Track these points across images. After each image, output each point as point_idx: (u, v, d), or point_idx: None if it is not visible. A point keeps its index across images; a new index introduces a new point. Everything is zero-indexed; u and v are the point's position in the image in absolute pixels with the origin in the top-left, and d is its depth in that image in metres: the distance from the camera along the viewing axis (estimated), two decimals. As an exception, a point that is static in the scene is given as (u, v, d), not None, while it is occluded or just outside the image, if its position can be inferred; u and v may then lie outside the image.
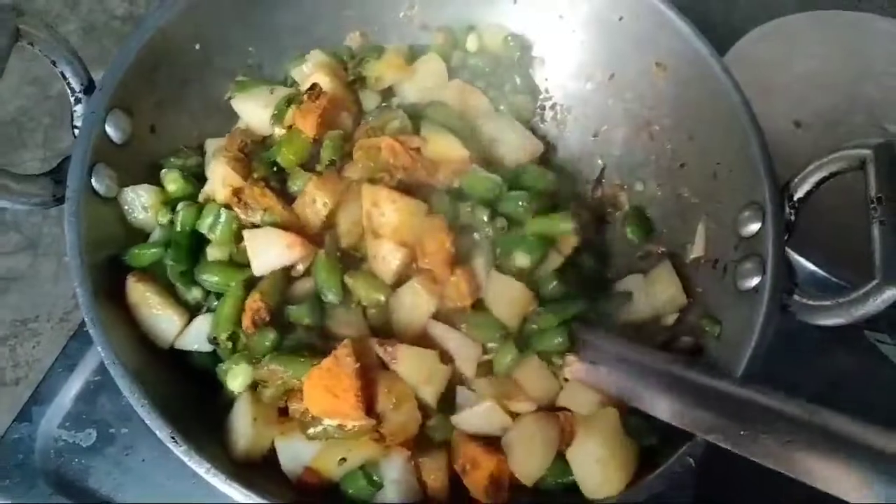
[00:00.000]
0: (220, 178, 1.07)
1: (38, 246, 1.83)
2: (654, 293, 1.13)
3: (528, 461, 0.98)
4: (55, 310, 1.77)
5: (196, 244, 1.07)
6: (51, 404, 1.27)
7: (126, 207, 1.05)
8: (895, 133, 1.61)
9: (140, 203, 1.05)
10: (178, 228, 1.06)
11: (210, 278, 1.04)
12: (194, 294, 1.05)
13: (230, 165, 1.07)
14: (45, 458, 1.22)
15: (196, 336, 1.02)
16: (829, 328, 1.32)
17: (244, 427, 0.96)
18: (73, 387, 1.28)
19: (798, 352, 1.33)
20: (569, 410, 1.01)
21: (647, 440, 0.97)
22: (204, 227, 1.05)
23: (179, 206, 1.07)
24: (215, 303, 1.04)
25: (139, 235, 1.08)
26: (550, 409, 1.02)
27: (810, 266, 1.32)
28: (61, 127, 1.92)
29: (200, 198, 1.10)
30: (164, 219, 1.07)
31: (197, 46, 1.15)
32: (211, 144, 1.17)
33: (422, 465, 0.98)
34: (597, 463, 0.93)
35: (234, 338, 1.00)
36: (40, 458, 1.22)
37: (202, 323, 1.03)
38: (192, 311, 1.05)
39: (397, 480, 0.95)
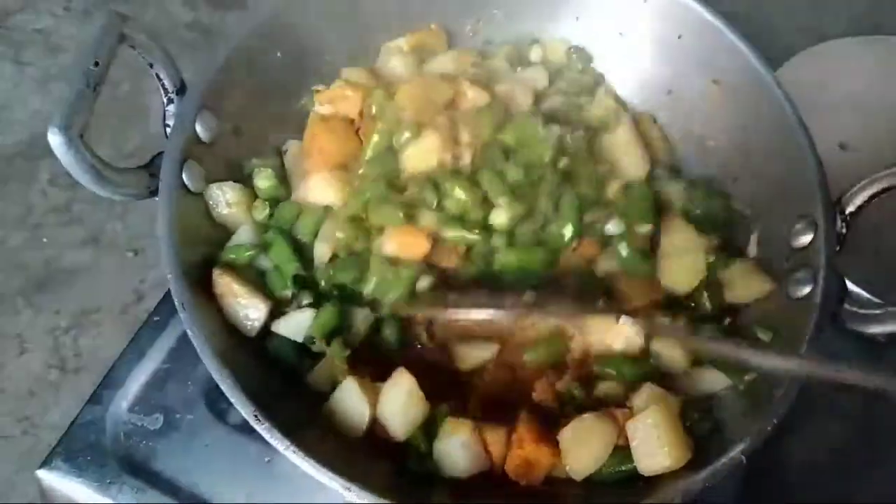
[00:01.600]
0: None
1: (101, 241, 1.90)
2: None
3: (581, 459, 1.02)
4: (116, 302, 1.85)
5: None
6: (121, 389, 1.31)
7: (211, 203, 1.12)
8: (938, 156, 1.64)
9: (225, 199, 1.12)
10: (280, 227, 1.14)
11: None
12: (286, 291, 1.11)
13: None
14: (115, 440, 1.27)
15: (295, 326, 1.09)
16: (870, 344, 1.37)
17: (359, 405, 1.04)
18: (143, 373, 1.33)
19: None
20: (627, 408, 1.06)
21: (700, 430, 1.01)
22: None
23: (284, 207, 1.16)
24: (306, 300, 1.10)
25: (221, 229, 1.14)
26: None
27: (857, 289, 1.34)
28: (128, 127, 2.01)
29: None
30: (260, 215, 1.14)
31: (278, 54, 1.22)
32: (292, 145, 1.23)
33: (485, 433, 1.04)
34: (657, 437, 0.97)
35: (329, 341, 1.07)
36: (110, 440, 1.27)
37: (304, 317, 1.09)
38: (276, 301, 1.10)
39: (465, 444, 1.02)
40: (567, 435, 1.04)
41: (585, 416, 1.04)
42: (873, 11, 2.01)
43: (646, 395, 1.05)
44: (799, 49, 1.74)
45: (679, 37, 1.25)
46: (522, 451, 1.02)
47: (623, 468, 1.01)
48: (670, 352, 1.11)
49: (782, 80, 1.63)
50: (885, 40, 1.83)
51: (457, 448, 1.02)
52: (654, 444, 0.97)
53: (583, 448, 1.02)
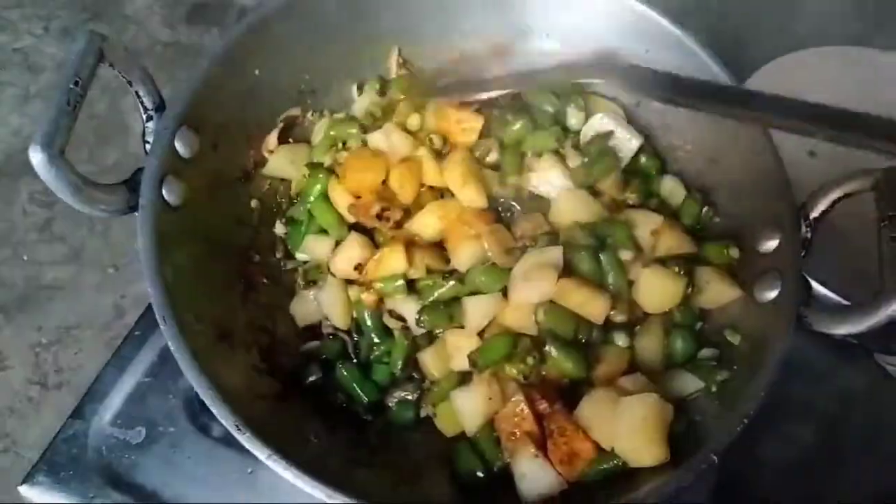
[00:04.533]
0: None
1: (82, 257, 1.91)
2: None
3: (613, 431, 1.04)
4: (97, 318, 1.85)
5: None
6: (103, 403, 1.32)
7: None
8: (904, 163, 1.68)
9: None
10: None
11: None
12: None
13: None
14: (98, 454, 1.28)
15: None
16: (842, 352, 1.40)
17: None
18: (125, 387, 1.34)
19: (813, 374, 1.40)
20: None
21: (674, 431, 1.03)
22: None
23: None
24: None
25: (205, 243, 1.15)
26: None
27: (824, 291, 1.38)
28: (106, 144, 2.01)
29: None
30: None
31: (257, 72, 1.24)
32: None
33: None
34: (643, 429, 1.00)
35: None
36: (93, 454, 1.28)
37: None
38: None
39: (524, 474, 1.05)
40: (585, 412, 1.06)
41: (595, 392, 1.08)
42: (843, 22, 2.06)
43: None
44: (770, 58, 1.78)
45: (647, 51, 1.28)
46: (567, 441, 1.05)
47: (606, 466, 1.03)
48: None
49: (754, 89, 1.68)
50: (851, 51, 1.87)
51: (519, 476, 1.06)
52: (640, 438, 1.00)
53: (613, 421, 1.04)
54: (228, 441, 0.95)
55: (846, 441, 1.41)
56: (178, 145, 1.10)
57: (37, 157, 0.93)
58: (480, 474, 1.10)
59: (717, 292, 1.17)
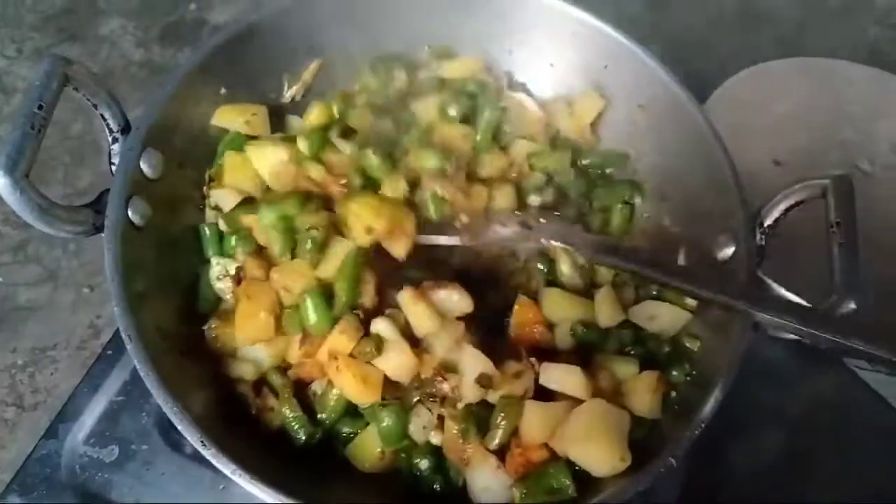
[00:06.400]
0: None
1: (57, 278, 1.91)
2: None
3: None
4: (73, 338, 1.85)
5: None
6: (76, 422, 1.33)
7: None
8: (867, 170, 1.71)
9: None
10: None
11: None
12: None
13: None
14: (71, 473, 1.29)
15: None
16: (810, 356, 1.42)
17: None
18: (97, 407, 1.35)
19: (781, 378, 1.42)
20: None
21: (635, 436, 1.04)
22: None
23: None
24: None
25: (170, 262, 1.16)
26: None
27: (788, 294, 1.40)
28: (80, 165, 2.01)
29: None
30: None
31: (223, 91, 1.25)
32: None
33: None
34: (591, 435, 1.01)
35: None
36: (66, 473, 1.29)
37: None
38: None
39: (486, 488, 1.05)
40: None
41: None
42: (800, 35, 2.11)
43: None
44: (734, 71, 1.81)
45: (605, 66, 1.31)
46: (522, 452, 1.05)
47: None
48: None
49: (719, 100, 1.71)
50: (817, 62, 1.91)
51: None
52: (593, 448, 1.01)
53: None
54: (201, 458, 0.95)
55: (816, 445, 1.42)
56: (143, 166, 1.11)
57: (1, 182, 0.94)
58: (437, 487, 1.11)
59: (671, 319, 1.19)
